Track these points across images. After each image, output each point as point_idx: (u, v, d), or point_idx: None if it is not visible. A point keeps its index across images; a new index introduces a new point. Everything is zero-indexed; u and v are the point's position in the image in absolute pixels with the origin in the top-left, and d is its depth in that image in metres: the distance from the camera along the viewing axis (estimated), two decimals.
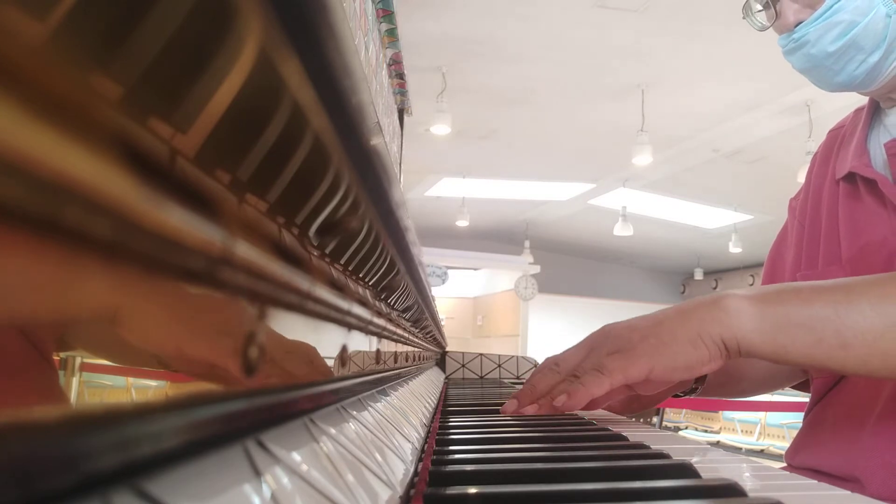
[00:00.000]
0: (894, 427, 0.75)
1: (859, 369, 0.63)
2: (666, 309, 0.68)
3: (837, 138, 0.95)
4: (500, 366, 1.74)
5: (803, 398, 0.94)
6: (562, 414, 0.74)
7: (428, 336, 1.15)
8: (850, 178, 0.87)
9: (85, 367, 0.13)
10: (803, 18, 0.81)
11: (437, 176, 6.89)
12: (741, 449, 5.25)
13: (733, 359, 0.65)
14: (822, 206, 0.92)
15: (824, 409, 0.86)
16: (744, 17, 0.89)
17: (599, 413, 0.82)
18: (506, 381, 1.64)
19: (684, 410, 6.39)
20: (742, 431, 5.74)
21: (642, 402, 0.79)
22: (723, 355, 0.64)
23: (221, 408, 0.18)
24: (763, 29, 0.87)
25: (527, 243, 8.75)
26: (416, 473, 0.37)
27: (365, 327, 0.42)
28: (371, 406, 0.42)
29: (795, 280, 0.94)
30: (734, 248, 8.09)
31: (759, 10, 0.87)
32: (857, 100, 0.93)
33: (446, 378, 1.65)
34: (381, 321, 0.47)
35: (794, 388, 1.00)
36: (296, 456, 0.22)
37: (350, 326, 0.37)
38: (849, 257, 0.85)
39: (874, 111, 0.89)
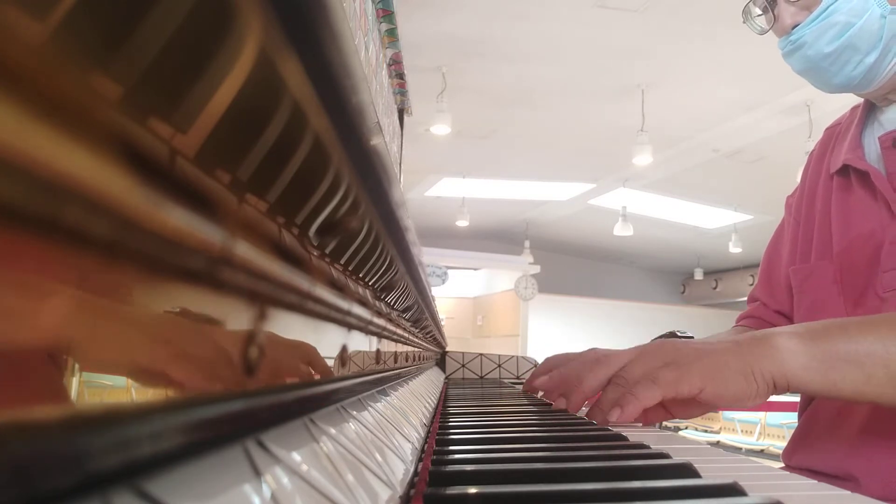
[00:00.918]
0: (885, 425, 0.75)
1: None
2: (719, 341, 0.69)
3: (833, 135, 0.95)
4: (500, 366, 1.74)
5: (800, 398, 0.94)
6: (562, 414, 0.74)
7: (428, 336, 1.15)
8: (844, 171, 0.87)
9: (85, 367, 0.13)
10: (800, 21, 0.82)
11: (437, 176, 6.89)
12: (741, 449, 5.25)
13: (780, 393, 0.66)
14: (817, 201, 0.93)
15: (816, 410, 0.87)
16: (744, 22, 0.90)
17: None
18: (506, 381, 1.64)
19: None
20: (742, 431, 5.74)
21: (663, 415, 0.77)
22: (770, 391, 0.65)
23: (221, 408, 0.18)
24: (763, 32, 0.88)
25: (527, 243, 8.75)
26: (416, 473, 0.37)
27: (365, 327, 0.42)
28: (371, 406, 0.42)
29: (788, 274, 0.95)
30: (734, 248, 8.08)
31: (759, 15, 0.88)
32: (857, 98, 0.93)
33: (446, 378, 1.65)
34: (381, 321, 0.47)
35: None
36: (296, 456, 0.22)
37: (350, 326, 0.37)
38: (839, 251, 0.86)
39: (869, 108, 0.90)
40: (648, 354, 0.68)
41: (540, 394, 0.93)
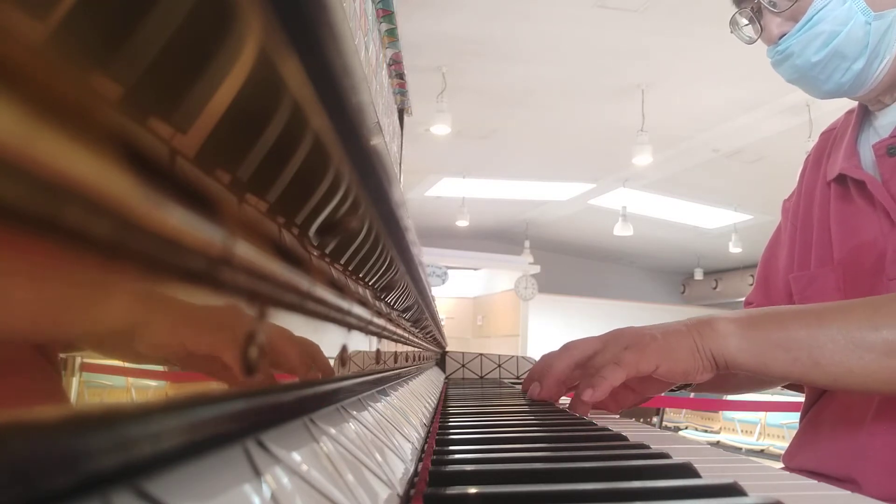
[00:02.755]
0: (890, 428, 0.75)
1: (832, 384, 0.72)
2: (672, 322, 0.79)
3: (829, 140, 0.95)
4: (500, 366, 1.74)
5: (802, 398, 0.95)
6: (562, 414, 0.75)
7: (428, 336, 1.15)
8: (841, 179, 0.87)
9: (85, 367, 0.13)
10: (786, 31, 0.83)
11: (437, 176, 6.89)
12: (741, 449, 5.25)
13: (721, 371, 0.75)
14: (814, 208, 0.93)
15: (820, 412, 0.87)
16: (731, 32, 0.91)
17: (600, 413, 0.82)
18: (506, 381, 1.64)
19: (684, 410, 6.39)
20: (742, 431, 5.75)
21: (633, 398, 0.86)
22: (713, 368, 0.74)
23: (221, 408, 0.18)
24: (751, 42, 0.89)
25: (527, 243, 8.75)
26: (416, 473, 0.37)
27: (365, 327, 0.42)
28: (371, 406, 0.42)
29: (788, 280, 0.95)
30: (734, 248, 8.09)
31: (746, 25, 0.89)
32: (853, 102, 0.93)
33: (446, 378, 1.65)
34: (381, 321, 0.47)
35: (786, 388, 1.00)
36: (296, 456, 0.22)
37: (350, 326, 0.37)
38: (840, 258, 0.86)
39: (864, 113, 0.90)
40: (611, 342, 0.78)
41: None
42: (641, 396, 0.85)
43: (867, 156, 0.85)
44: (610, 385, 0.74)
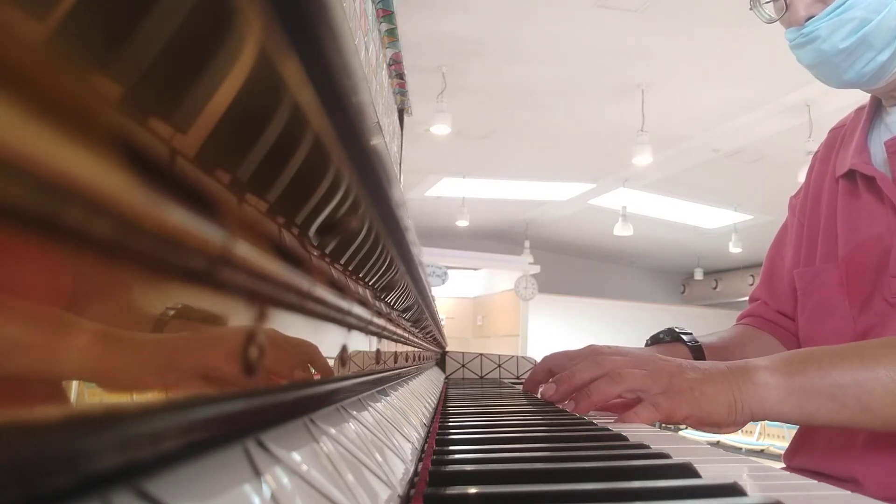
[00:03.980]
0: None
1: (882, 428, 0.69)
2: (709, 367, 0.74)
3: (838, 137, 0.95)
4: (500, 366, 1.74)
5: None
6: (562, 414, 0.75)
7: (428, 336, 1.15)
8: (850, 175, 0.87)
9: (85, 367, 0.13)
10: (815, 13, 0.80)
11: (437, 176, 6.89)
12: (741, 449, 5.25)
13: (757, 421, 0.73)
14: (822, 204, 0.92)
15: None
16: (750, 9, 0.87)
17: (600, 413, 0.82)
18: (506, 381, 1.64)
19: None
20: (742, 431, 5.74)
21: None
22: (746, 421, 0.71)
23: (221, 408, 0.18)
24: (770, 21, 0.86)
25: (527, 243, 8.74)
26: (416, 473, 0.37)
27: (365, 327, 0.42)
28: (371, 406, 0.42)
29: (793, 277, 0.95)
30: (734, 248, 8.08)
31: (767, 2, 0.86)
32: (858, 99, 0.93)
33: (446, 378, 1.65)
34: (381, 321, 0.47)
35: None
36: (296, 456, 0.22)
37: (350, 326, 0.37)
38: (845, 254, 0.86)
39: (875, 109, 0.89)
40: (652, 380, 0.73)
41: (539, 392, 0.93)
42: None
43: (878, 152, 0.85)
44: (638, 422, 0.71)
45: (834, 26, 0.78)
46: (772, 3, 0.85)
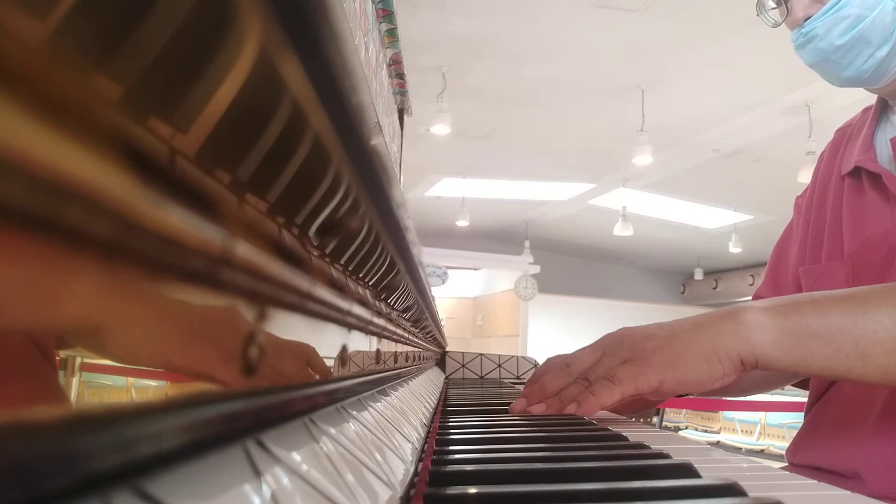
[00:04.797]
0: (895, 423, 0.75)
1: (880, 379, 0.63)
2: (682, 320, 0.68)
3: (845, 136, 0.96)
4: (500, 366, 1.74)
5: (803, 398, 0.95)
6: (562, 414, 0.74)
7: (428, 336, 1.15)
8: (856, 172, 0.88)
9: (85, 367, 0.13)
10: (812, 13, 0.82)
11: (437, 176, 6.89)
12: (741, 449, 5.25)
13: (748, 371, 0.65)
14: (828, 202, 0.93)
15: (825, 407, 0.87)
16: (757, 15, 0.90)
17: (600, 413, 0.82)
18: (506, 381, 1.64)
19: (684, 410, 6.39)
20: (742, 431, 5.74)
21: (644, 403, 0.80)
22: (737, 370, 0.64)
23: (221, 408, 0.18)
24: (776, 25, 0.88)
25: (527, 243, 8.75)
26: (416, 473, 0.37)
27: (365, 327, 0.42)
28: (371, 406, 0.42)
29: (798, 275, 0.95)
30: (734, 248, 8.08)
31: (773, 8, 0.88)
32: (860, 99, 0.93)
33: (446, 378, 1.65)
34: (381, 321, 0.47)
35: (794, 385, 1.00)
36: (296, 456, 0.22)
37: (350, 326, 0.37)
38: (850, 252, 0.86)
39: (882, 109, 0.90)
40: (609, 351, 0.68)
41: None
42: (654, 402, 0.78)
43: (883, 150, 0.86)
44: (598, 404, 0.65)
45: (830, 24, 0.80)
46: (776, 8, 0.87)
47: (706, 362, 0.64)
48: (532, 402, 0.72)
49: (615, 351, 0.68)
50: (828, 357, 0.62)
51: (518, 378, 1.71)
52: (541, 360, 0.98)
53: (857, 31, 0.79)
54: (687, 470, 0.39)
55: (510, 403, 0.76)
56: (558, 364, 0.74)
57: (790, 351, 0.63)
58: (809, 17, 0.82)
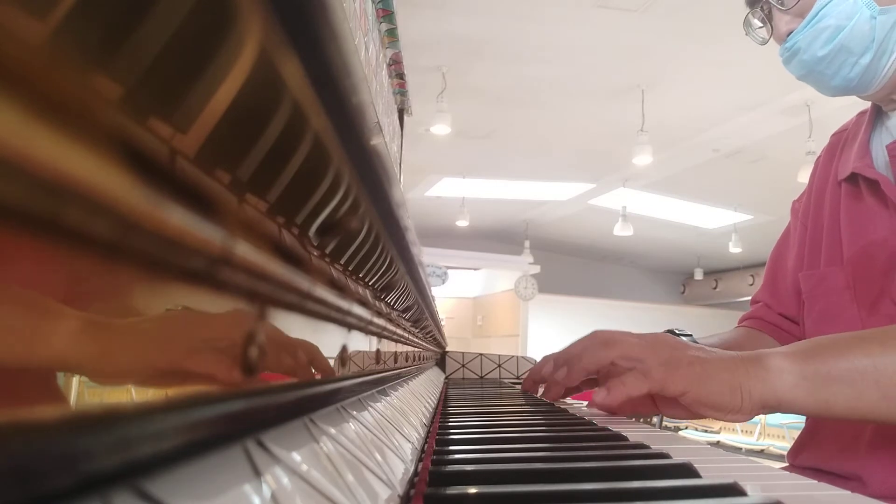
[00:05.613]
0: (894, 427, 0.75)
1: None
2: (719, 351, 0.71)
3: (840, 141, 0.96)
4: (500, 366, 1.74)
5: None
6: (562, 414, 0.74)
7: (428, 336, 1.15)
8: (853, 178, 0.88)
9: (85, 367, 0.13)
10: (794, 28, 0.84)
11: (437, 176, 6.89)
12: (741, 449, 5.25)
13: (770, 413, 0.68)
14: (825, 207, 0.93)
15: None
16: (746, 34, 0.92)
17: (600, 413, 0.82)
18: (506, 381, 1.64)
19: None
20: (742, 431, 5.74)
21: (650, 408, 0.79)
22: (756, 411, 0.67)
23: (221, 408, 0.18)
24: (764, 43, 0.91)
25: (527, 243, 8.74)
26: (416, 473, 0.37)
27: (365, 327, 0.42)
28: (371, 406, 0.42)
29: (797, 280, 0.95)
30: (734, 248, 8.08)
31: (759, 27, 0.90)
32: (858, 100, 0.93)
33: (446, 378, 1.65)
34: (381, 321, 0.47)
35: None
36: (296, 456, 0.22)
37: (350, 326, 0.37)
38: (850, 257, 0.86)
39: (876, 114, 0.90)
40: (651, 350, 0.71)
41: (540, 392, 0.93)
42: (653, 408, 0.79)
43: (880, 156, 0.86)
44: (627, 393, 0.68)
45: (811, 37, 0.82)
46: (763, 27, 0.89)
47: (729, 393, 0.66)
48: (573, 376, 0.78)
49: (657, 351, 0.71)
50: (850, 399, 0.64)
51: (518, 378, 1.71)
52: (541, 361, 0.98)
53: (837, 41, 0.81)
54: (687, 470, 0.39)
55: (511, 403, 0.76)
56: (601, 341, 0.76)
57: (812, 395, 0.65)
58: (791, 32, 0.84)
